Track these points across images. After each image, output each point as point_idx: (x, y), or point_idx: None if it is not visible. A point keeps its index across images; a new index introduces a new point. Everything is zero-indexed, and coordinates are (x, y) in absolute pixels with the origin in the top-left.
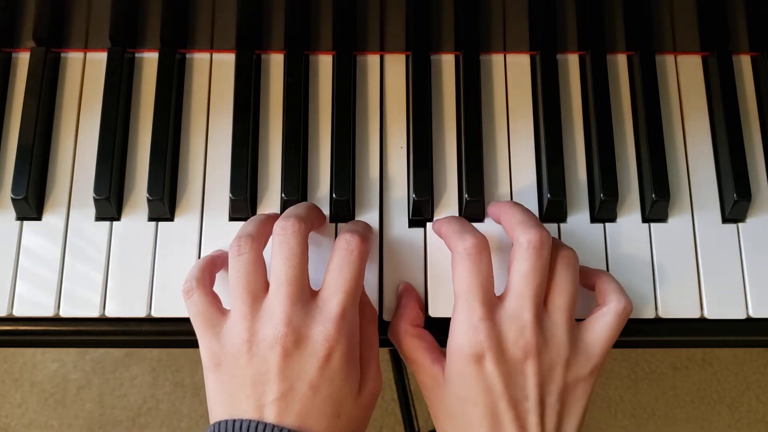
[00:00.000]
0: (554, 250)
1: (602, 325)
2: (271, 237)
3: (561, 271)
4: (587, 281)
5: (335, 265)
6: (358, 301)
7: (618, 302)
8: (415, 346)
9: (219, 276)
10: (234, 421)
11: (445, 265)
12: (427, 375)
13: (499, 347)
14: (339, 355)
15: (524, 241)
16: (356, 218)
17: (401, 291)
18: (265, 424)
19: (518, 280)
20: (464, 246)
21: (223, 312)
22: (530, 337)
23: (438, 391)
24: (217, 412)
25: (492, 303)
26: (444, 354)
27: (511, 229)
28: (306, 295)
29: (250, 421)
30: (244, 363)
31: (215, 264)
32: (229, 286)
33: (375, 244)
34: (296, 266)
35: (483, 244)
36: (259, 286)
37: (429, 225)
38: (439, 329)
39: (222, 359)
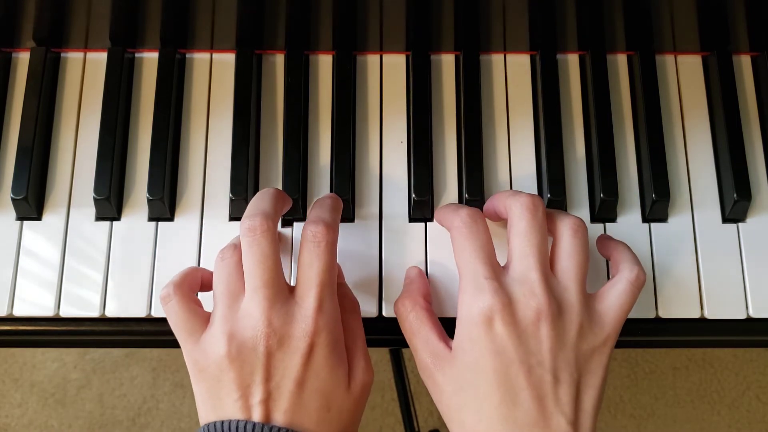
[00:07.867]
0: (560, 218)
1: (614, 294)
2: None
3: (566, 237)
4: (605, 251)
5: (304, 261)
6: (334, 290)
7: (630, 271)
8: (423, 319)
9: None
10: (223, 422)
11: (446, 261)
12: (431, 352)
13: (509, 308)
14: (321, 348)
15: (517, 205)
16: (357, 215)
17: (410, 272)
18: (254, 423)
19: (518, 241)
20: (459, 218)
21: (203, 317)
22: (542, 297)
23: (442, 368)
24: (206, 417)
25: (495, 266)
26: (448, 336)
27: (505, 206)
28: (283, 294)
29: (238, 421)
30: (226, 367)
31: (198, 275)
32: (213, 292)
33: (375, 239)
34: (270, 268)
35: (477, 213)
36: (240, 288)
37: (429, 223)
38: None
39: (205, 366)
